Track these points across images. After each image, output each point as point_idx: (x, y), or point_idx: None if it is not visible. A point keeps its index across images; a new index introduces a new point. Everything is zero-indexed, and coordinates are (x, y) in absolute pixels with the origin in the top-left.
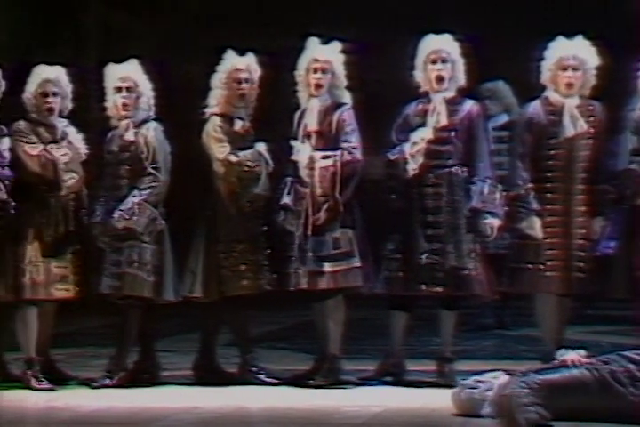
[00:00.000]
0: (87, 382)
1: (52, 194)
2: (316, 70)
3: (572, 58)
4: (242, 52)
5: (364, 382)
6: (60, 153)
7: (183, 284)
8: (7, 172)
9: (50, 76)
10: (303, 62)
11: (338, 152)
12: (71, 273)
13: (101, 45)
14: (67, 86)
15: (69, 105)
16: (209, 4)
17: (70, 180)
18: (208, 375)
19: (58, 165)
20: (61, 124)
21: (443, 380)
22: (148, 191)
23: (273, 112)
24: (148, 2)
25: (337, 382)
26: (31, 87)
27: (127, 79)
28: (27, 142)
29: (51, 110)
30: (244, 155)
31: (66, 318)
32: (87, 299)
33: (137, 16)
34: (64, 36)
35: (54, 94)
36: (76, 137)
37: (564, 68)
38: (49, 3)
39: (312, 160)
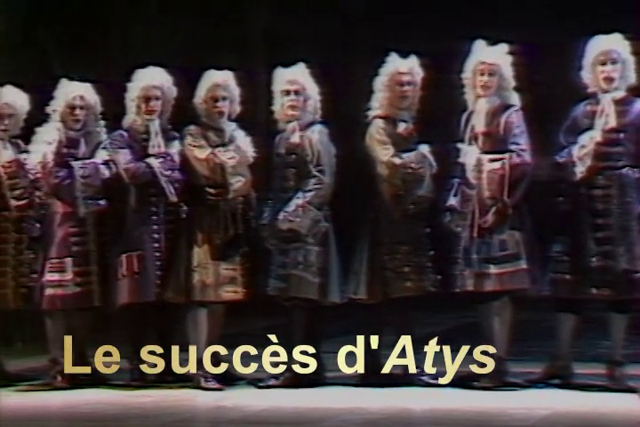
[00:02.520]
0: (254, 382)
1: (221, 197)
2: (482, 73)
3: None
4: (404, 55)
5: (531, 384)
6: (227, 156)
7: (347, 285)
8: (177, 175)
9: (219, 81)
10: (470, 64)
11: (506, 155)
12: (239, 275)
13: (267, 49)
14: (235, 90)
15: (237, 109)
16: (372, 6)
17: (237, 183)
18: (372, 377)
19: (225, 168)
20: (230, 128)
21: (613, 384)
22: (312, 193)
23: (435, 114)
24: (312, 5)
25: (503, 384)
26: (201, 92)
27: (295, 82)
28: (196, 146)
29: (220, 114)
30: (408, 157)
31: (233, 318)
32: (253, 300)
33: (301, 20)
34: (231, 40)
35: (223, 98)
36: (243, 140)
37: None
38: (216, 8)
39: (480, 163)
